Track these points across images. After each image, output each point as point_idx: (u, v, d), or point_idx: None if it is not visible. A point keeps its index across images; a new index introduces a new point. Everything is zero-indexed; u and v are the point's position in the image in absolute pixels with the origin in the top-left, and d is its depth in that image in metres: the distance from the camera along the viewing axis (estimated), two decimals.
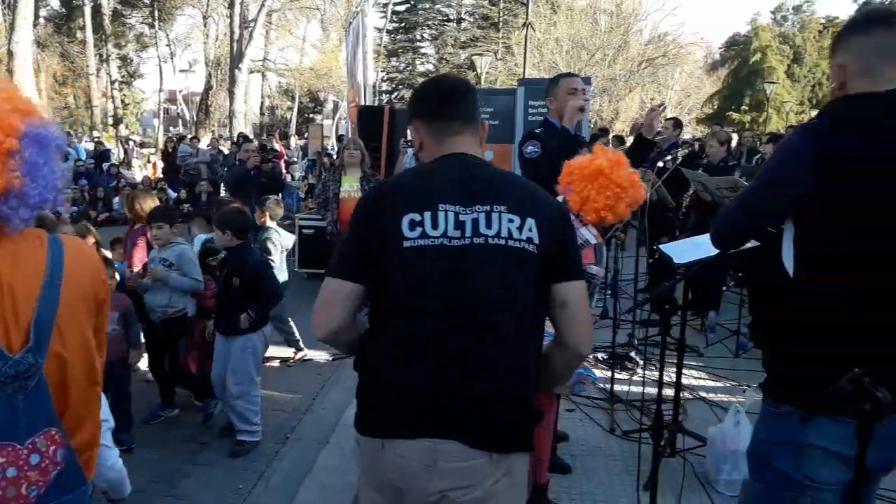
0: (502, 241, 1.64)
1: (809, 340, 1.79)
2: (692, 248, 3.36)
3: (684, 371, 3.93)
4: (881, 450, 1.73)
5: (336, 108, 34.75)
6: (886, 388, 1.52)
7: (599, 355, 5.40)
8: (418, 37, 44.20)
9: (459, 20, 43.21)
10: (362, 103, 12.30)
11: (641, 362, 5.25)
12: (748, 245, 2.08)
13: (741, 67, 40.20)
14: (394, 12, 43.40)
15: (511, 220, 1.66)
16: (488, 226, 1.64)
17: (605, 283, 7.04)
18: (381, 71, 40.35)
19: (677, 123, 7.74)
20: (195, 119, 35.45)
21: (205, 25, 35.35)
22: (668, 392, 3.77)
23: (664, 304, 2.91)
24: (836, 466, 1.79)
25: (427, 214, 1.63)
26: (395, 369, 1.65)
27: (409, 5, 43.42)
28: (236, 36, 30.85)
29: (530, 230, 1.66)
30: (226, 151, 17.41)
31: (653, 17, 25.11)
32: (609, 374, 4.73)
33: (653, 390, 3.71)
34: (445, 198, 1.65)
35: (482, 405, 1.62)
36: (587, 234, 2.94)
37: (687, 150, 6.83)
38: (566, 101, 3.60)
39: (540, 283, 1.68)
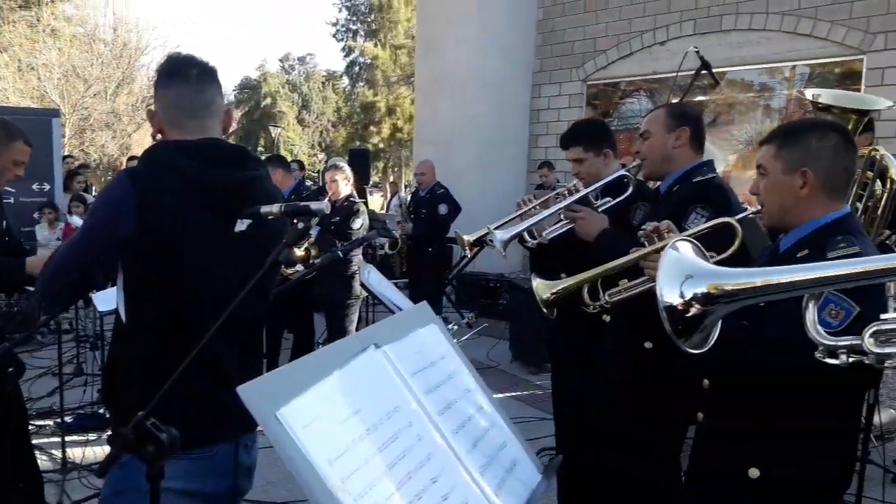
0: None
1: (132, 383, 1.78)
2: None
3: None
4: (220, 477, 1.82)
5: None
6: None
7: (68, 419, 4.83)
8: None
9: None
10: None
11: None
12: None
13: (255, 110, 42.37)
14: None
15: None
16: None
17: (88, 337, 6.41)
18: None
19: None
20: None
21: None
22: None
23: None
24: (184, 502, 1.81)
25: None
26: None
27: None
28: None
29: None
30: None
31: (155, 52, 24.45)
32: (60, 439, 4.23)
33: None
34: None
35: None
36: None
37: None
38: None
39: None
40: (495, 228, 3.15)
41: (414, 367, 1.25)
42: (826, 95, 3.78)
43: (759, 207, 2.00)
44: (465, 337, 5.34)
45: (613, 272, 2.36)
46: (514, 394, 5.67)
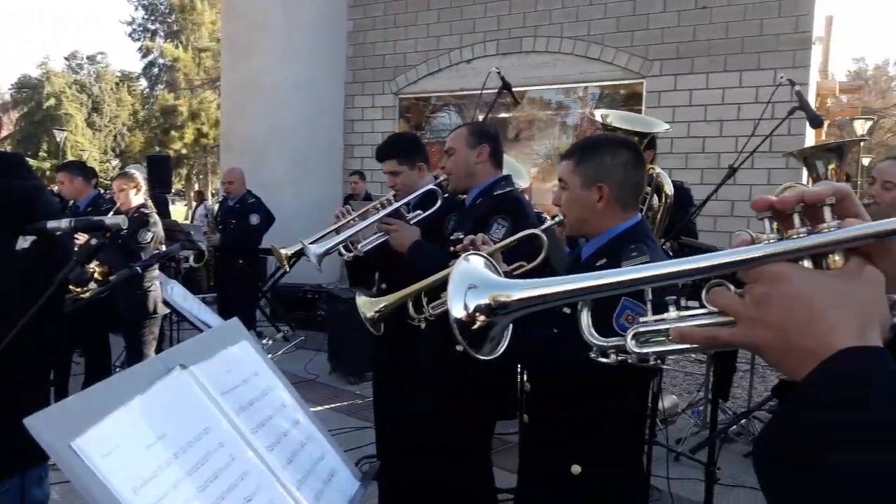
0: None
1: None
2: None
3: None
4: None
5: None
6: None
7: None
8: None
9: None
10: None
11: None
12: None
13: (35, 111, 38.18)
14: None
15: None
16: None
17: None
18: None
19: None
20: None
21: None
22: None
23: None
24: None
25: None
26: None
27: None
28: None
29: None
30: None
31: None
32: None
33: None
34: None
35: None
36: None
37: None
38: None
39: None
40: (310, 243, 3.13)
41: (224, 386, 1.21)
42: (613, 117, 4.23)
43: (560, 217, 2.16)
44: (282, 351, 5.22)
45: (436, 285, 2.43)
46: (334, 405, 5.62)
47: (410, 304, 2.42)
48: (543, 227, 2.25)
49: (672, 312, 0.80)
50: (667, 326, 0.79)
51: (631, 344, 0.81)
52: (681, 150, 8.18)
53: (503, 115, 9.90)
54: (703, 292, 0.75)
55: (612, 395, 1.90)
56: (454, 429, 2.76)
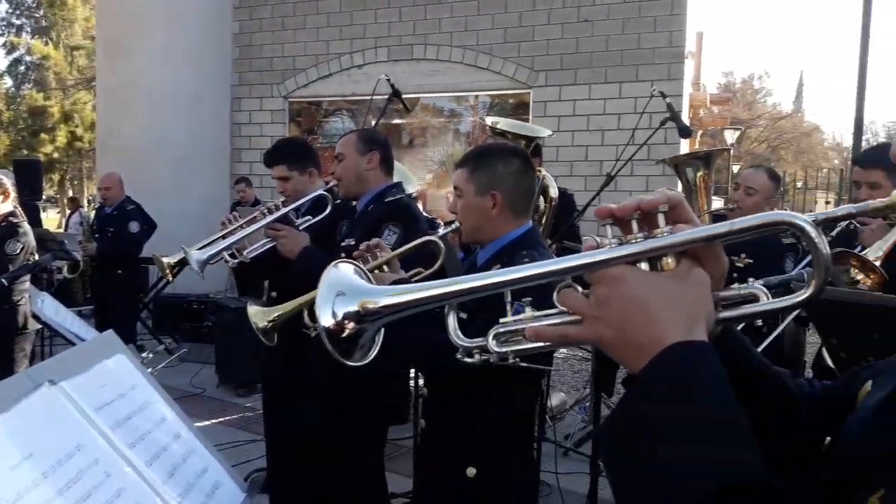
0: None
1: None
2: None
3: None
4: None
5: None
6: None
7: None
8: None
9: None
10: None
11: None
12: None
13: None
14: None
15: None
16: None
17: None
18: None
19: None
20: None
21: None
22: None
23: None
24: None
25: None
26: None
27: None
28: None
29: None
30: None
31: None
32: None
33: None
34: None
35: None
36: None
37: None
38: None
39: None
40: (194, 250, 3.02)
41: (99, 401, 1.16)
42: (503, 123, 4.45)
43: (456, 224, 2.20)
44: (163, 364, 4.99)
45: None
46: (222, 419, 5.43)
47: (306, 313, 2.39)
48: (440, 233, 2.29)
49: (528, 313, 0.85)
50: (524, 326, 0.85)
51: (492, 344, 0.86)
52: (566, 158, 8.51)
53: (397, 121, 9.94)
54: (555, 293, 0.81)
55: (504, 395, 1.95)
56: (335, 437, 2.75)
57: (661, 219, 0.77)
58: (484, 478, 1.95)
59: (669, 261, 0.76)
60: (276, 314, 2.47)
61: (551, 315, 0.83)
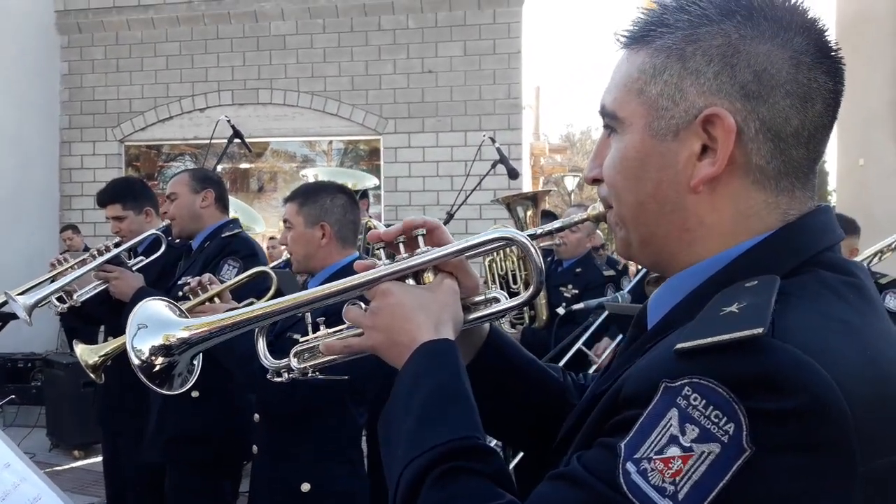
0: None
1: None
2: None
3: None
4: None
5: None
6: None
7: None
8: None
9: None
10: None
11: None
12: None
13: None
14: None
15: None
16: None
17: None
18: None
19: None
20: None
21: None
22: None
23: None
24: None
25: None
26: None
27: None
28: None
29: None
30: None
31: None
32: None
33: None
34: None
35: None
36: None
37: None
38: None
39: None
40: (18, 294, 2.81)
41: None
42: (322, 173, 4.84)
43: (289, 256, 2.32)
44: None
45: None
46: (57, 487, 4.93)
47: None
48: (272, 265, 2.35)
49: (323, 330, 0.97)
50: (318, 343, 0.96)
51: (294, 361, 0.97)
52: (418, 203, 8.71)
53: (245, 165, 9.73)
54: (343, 310, 0.92)
55: (333, 411, 2.04)
56: (175, 476, 2.70)
57: (420, 241, 0.91)
58: (318, 493, 2.02)
59: (430, 276, 0.91)
60: (109, 348, 2.39)
61: (343, 330, 0.95)
